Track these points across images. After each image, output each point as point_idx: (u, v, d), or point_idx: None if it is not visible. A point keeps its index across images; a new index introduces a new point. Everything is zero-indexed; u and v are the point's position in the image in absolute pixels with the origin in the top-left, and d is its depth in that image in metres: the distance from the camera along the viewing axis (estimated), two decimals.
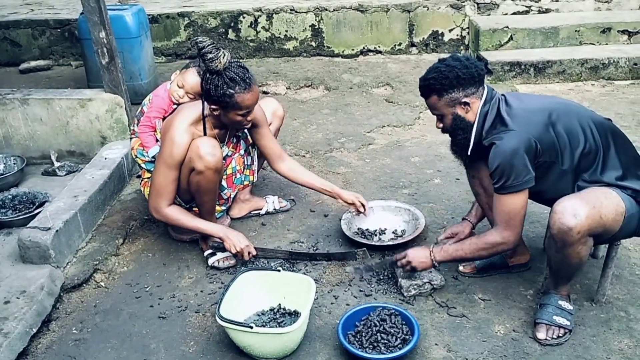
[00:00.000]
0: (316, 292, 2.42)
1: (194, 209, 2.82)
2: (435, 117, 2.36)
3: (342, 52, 5.85)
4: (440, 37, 5.79)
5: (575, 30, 5.34)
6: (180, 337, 2.37)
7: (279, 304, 2.43)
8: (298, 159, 3.81)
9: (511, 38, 5.36)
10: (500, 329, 2.33)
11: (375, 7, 5.70)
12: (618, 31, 5.35)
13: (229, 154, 2.89)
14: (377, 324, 2.25)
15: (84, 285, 2.71)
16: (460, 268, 2.62)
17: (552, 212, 2.09)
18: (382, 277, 2.63)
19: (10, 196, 3.22)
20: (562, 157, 2.17)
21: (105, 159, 3.46)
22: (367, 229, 2.97)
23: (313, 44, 5.84)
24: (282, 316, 2.39)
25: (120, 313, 2.53)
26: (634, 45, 5.30)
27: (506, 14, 5.79)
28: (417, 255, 2.43)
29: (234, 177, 2.95)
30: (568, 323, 2.25)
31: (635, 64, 4.99)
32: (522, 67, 5.03)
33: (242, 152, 2.95)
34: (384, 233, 2.96)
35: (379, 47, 5.85)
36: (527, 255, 2.63)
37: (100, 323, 2.48)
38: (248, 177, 3.04)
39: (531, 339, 2.27)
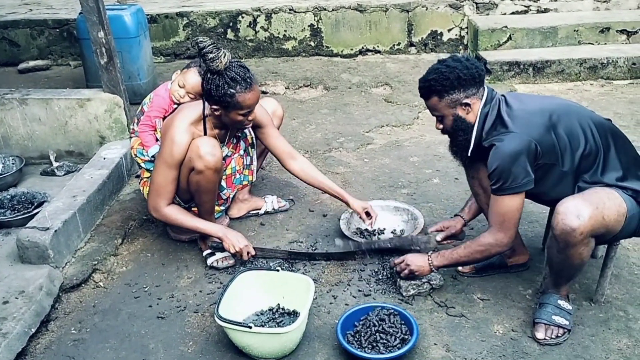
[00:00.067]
0: (315, 292, 2.42)
1: (193, 208, 2.82)
2: (435, 118, 2.35)
3: (341, 52, 5.85)
4: (439, 37, 5.79)
5: (574, 30, 5.34)
6: (179, 337, 2.37)
7: (278, 304, 2.42)
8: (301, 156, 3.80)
9: (510, 38, 5.36)
10: (499, 329, 2.33)
11: (374, 6, 5.70)
12: (617, 31, 5.36)
13: (229, 154, 2.89)
14: (376, 323, 2.25)
15: (83, 285, 2.71)
16: (459, 268, 2.62)
17: (555, 213, 2.09)
18: (381, 277, 2.63)
19: (8, 196, 3.21)
20: (562, 158, 2.17)
21: (104, 159, 3.46)
22: (366, 229, 2.96)
23: (312, 43, 5.84)
24: (281, 316, 2.39)
25: (119, 313, 2.53)
26: (632, 45, 5.31)
27: (505, 14, 5.79)
28: (416, 260, 2.44)
29: (233, 177, 2.95)
30: (567, 323, 2.25)
31: (634, 64, 5.00)
32: (521, 66, 5.03)
33: (241, 152, 2.95)
34: (383, 233, 2.96)
35: (377, 46, 5.85)
36: (526, 255, 2.63)
37: (99, 323, 2.48)
38: (247, 177, 3.04)
39: (530, 338, 2.27)
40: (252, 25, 5.80)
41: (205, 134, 2.67)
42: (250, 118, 2.61)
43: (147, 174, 2.93)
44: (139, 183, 3.09)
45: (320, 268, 2.74)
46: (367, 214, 2.89)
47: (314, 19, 5.75)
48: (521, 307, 2.44)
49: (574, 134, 2.17)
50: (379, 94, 4.94)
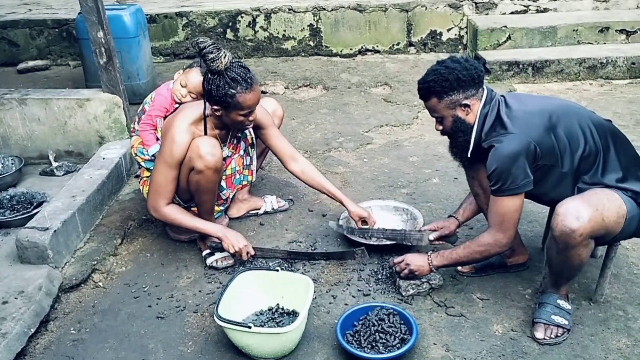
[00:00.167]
0: (314, 292, 2.42)
1: (193, 208, 2.82)
2: (434, 119, 2.35)
3: (341, 51, 5.85)
4: (438, 37, 5.79)
5: (574, 30, 5.35)
6: (179, 337, 2.37)
7: (277, 304, 2.42)
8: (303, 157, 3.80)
9: (509, 37, 5.36)
10: (498, 329, 2.33)
11: (374, 6, 5.70)
12: (616, 30, 5.36)
13: (229, 154, 2.88)
14: (376, 323, 2.25)
15: (82, 285, 2.71)
16: (459, 267, 2.62)
17: (554, 214, 2.09)
18: (380, 277, 2.63)
19: (8, 196, 3.21)
20: (562, 159, 2.16)
21: (104, 159, 3.45)
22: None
23: (311, 43, 5.84)
24: (280, 316, 2.39)
25: (119, 313, 2.53)
26: (632, 45, 5.31)
27: (504, 14, 5.79)
28: (415, 260, 2.45)
29: (233, 177, 2.95)
30: (566, 322, 2.25)
31: (633, 63, 5.00)
32: (520, 66, 5.03)
33: (241, 152, 2.95)
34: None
35: (377, 46, 5.85)
36: (525, 255, 2.63)
37: (98, 323, 2.47)
38: (247, 177, 3.04)
39: (529, 338, 2.27)
40: (251, 25, 5.80)
41: (205, 134, 2.67)
42: (251, 118, 2.61)
43: (147, 173, 2.92)
44: (139, 182, 3.09)
45: (320, 268, 2.74)
46: (364, 221, 2.88)
47: (313, 19, 5.75)
48: (520, 306, 2.44)
49: (574, 135, 2.16)
50: (379, 93, 4.94)
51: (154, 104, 2.96)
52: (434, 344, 2.27)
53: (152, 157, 2.86)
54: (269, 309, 2.42)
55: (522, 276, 2.61)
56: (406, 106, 4.61)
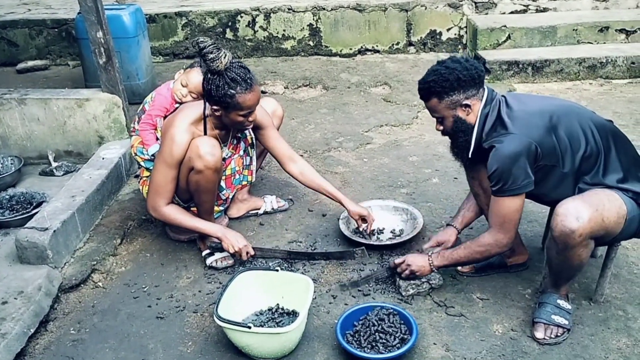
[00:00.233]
0: (314, 292, 2.42)
1: (193, 208, 2.81)
2: (435, 119, 2.34)
3: (340, 51, 5.85)
4: (438, 37, 5.79)
5: (573, 29, 5.34)
6: (179, 337, 2.37)
7: (277, 304, 2.42)
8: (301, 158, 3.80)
9: (509, 37, 5.36)
10: (498, 328, 2.33)
11: (373, 6, 5.69)
12: (616, 30, 5.35)
13: (229, 155, 2.88)
14: (376, 323, 2.25)
15: (82, 285, 2.70)
16: (459, 267, 2.61)
17: (554, 214, 2.08)
18: (380, 277, 2.63)
19: (7, 196, 3.21)
20: (563, 160, 2.16)
21: (103, 158, 3.45)
22: (364, 229, 2.96)
23: (311, 43, 5.83)
24: (280, 316, 2.38)
25: (118, 313, 2.52)
26: (631, 44, 5.31)
27: (504, 13, 5.79)
28: (416, 261, 2.44)
29: (232, 177, 2.95)
30: (566, 322, 2.25)
31: (633, 63, 4.99)
32: (520, 66, 5.03)
33: (241, 152, 2.95)
34: (382, 232, 2.96)
35: (376, 46, 5.85)
36: (525, 255, 2.63)
37: (98, 323, 2.47)
38: (246, 177, 3.04)
39: (529, 338, 2.27)
40: (251, 25, 5.79)
41: (205, 134, 2.67)
42: (250, 119, 2.61)
43: (146, 173, 2.92)
44: (139, 182, 3.09)
45: (320, 268, 2.74)
46: (364, 220, 2.88)
47: (313, 19, 5.75)
48: (520, 306, 2.44)
49: (575, 135, 2.16)
50: (378, 93, 4.93)
51: (154, 104, 2.95)
52: (434, 343, 2.27)
53: (152, 157, 2.86)
54: (269, 309, 2.42)
55: (522, 276, 2.61)
56: (406, 106, 4.61)
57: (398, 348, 2.15)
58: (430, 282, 2.51)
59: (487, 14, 5.77)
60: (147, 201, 2.69)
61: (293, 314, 2.37)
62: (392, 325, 2.24)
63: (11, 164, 3.59)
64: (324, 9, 5.71)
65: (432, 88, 2.22)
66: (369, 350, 2.16)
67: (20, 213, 3.08)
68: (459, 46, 5.80)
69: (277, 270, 2.44)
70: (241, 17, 5.77)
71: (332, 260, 2.77)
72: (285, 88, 5.08)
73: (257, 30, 5.81)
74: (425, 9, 5.70)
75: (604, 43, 5.35)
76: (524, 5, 5.80)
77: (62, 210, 2.88)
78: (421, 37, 5.80)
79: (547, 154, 2.13)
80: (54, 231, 2.71)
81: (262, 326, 2.32)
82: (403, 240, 2.83)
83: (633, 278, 2.56)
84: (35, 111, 3.64)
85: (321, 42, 5.83)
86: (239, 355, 2.25)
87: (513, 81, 5.03)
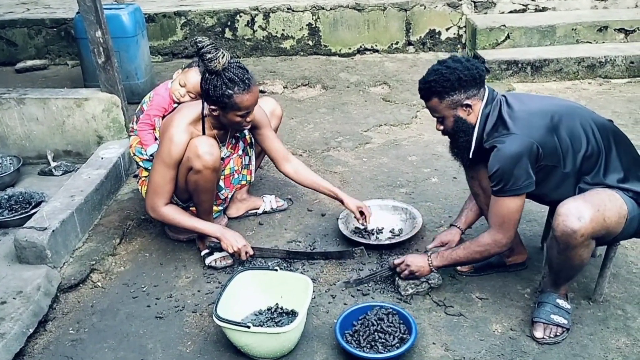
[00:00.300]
0: (313, 292, 2.41)
1: (192, 208, 2.81)
2: (435, 119, 2.34)
3: (339, 51, 5.85)
4: (437, 36, 5.79)
5: (572, 29, 5.34)
6: (178, 337, 2.37)
7: (277, 304, 2.42)
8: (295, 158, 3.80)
9: (508, 37, 5.36)
10: (497, 328, 2.33)
11: (372, 5, 5.69)
12: (615, 29, 5.35)
13: (228, 154, 2.88)
14: (375, 323, 2.25)
15: (81, 285, 2.70)
16: (458, 267, 2.61)
17: (556, 214, 2.08)
18: (379, 277, 2.63)
19: (6, 196, 3.21)
20: (564, 160, 2.16)
21: (102, 158, 3.45)
22: (364, 228, 2.96)
23: (310, 42, 5.83)
24: (279, 316, 2.38)
25: (117, 313, 2.52)
26: (630, 44, 5.31)
27: (503, 13, 5.79)
28: (416, 261, 2.44)
29: (231, 177, 2.95)
30: (566, 322, 2.25)
31: (632, 62, 5.00)
32: (519, 65, 5.03)
33: (240, 152, 2.95)
34: (382, 232, 2.96)
35: (376, 45, 5.85)
36: (524, 255, 2.63)
37: (97, 323, 2.47)
38: (245, 176, 3.04)
39: (529, 337, 2.27)
40: (250, 25, 5.79)
41: (204, 134, 2.66)
42: (248, 119, 2.60)
43: (145, 173, 2.92)
44: (137, 182, 3.08)
45: (319, 267, 2.73)
46: (361, 212, 2.88)
47: (312, 18, 5.75)
48: (520, 306, 2.44)
49: (576, 135, 2.16)
50: (377, 93, 4.93)
51: (152, 104, 2.95)
52: (433, 343, 2.27)
53: (151, 157, 2.86)
54: (268, 309, 2.42)
55: (521, 275, 2.61)
56: (405, 105, 4.61)
57: (397, 348, 2.15)
58: (430, 281, 2.51)
59: (486, 13, 5.77)
60: (146, 201, 2.69)
61: (292, 314, 2.37)
62: (391, 324, 2.24)
63: (10, 163, 3.59)
64: (323, 8, 5.71)
65: (433, 88, 2.22)
66: (368, 349, 2.16)
67: (19, 213, 3.07)
68: (458, 46, 5.80)
69: (276, 270, 2.44)
70: (240, 16, 5.77)
71: (331, 260, 2.76)
72: (284, 88, 5.08)
73: (256, 30, 5.80)
74: (425, 8, 5.70)
75: (603, 42, 5.35)
76: (523, 5, 5.80)
77: (61, 210, 2.88)
78: (420, 37, 5.80)
79: (549, 154, 2.13)
80: (53, 231, 2.71)
81: (261, 326, 2.32)
82: (402, 240, 2.83)
83: (632, 277, 2.57)
84: (34, 111, 3.63)
85: (320, 42, 5.83)
86: (238, 355, 2.25)
87: (512, 81, 5.03)
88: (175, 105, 2.88)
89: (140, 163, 2.96)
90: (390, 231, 2.96)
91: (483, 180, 2.40)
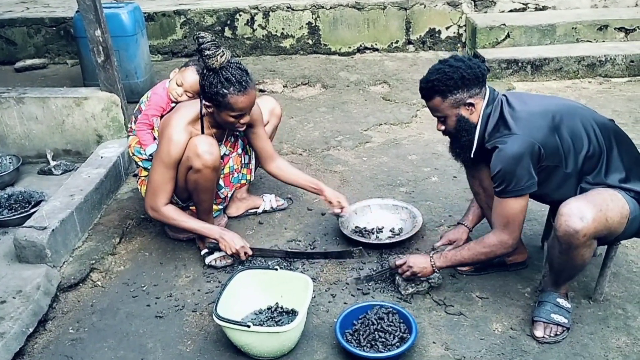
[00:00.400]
0: (313, 291, 2.41)
1: (191, 207, 2.81)
2: (436, 119, 2.33)
3: (339, 50, 5.84)
4: (437, 35, 5.78)
5: (572, 28, 5.34)
6: (178, 337, 2.37)
7: (277, 303, 2.42)
8: (295, 157, 3.81)
9: (508, 35, 5.35)
10: (498, 327, 2.32)
11: (372, 4, 5.69)
12: (615, 28, 5.35)
13: (227, 153, 2.88)
14: (375, 322, 2.24)
15: (81, 284, 2.70)
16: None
17: (558, 214, 2.07)
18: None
19: (6, 195, 3.20)
20: (566, 160, 2.15)
21: (102, 157, 3.45)
22: (364, 228, 2.96)
23: (310, 41, 5.82)
24: (279, 315, 2.38)
25: (117, 312, 2.52)
26: (630, 43, 5.30)
27: (503, 12, 5.78)
28: (418, 261, 2.43)
29: (231, 176, 2.95)
30: (566, 321, 2.25)
31: (632, 61, 4.99)
32: (519, 64, 5.02)
33: (239, 151, 2.95)
34: (382, 231, 2.96)
35: (375, 44, 5.84)
36: (524, 254, 2.63)
37: (97, 322, 2.47)
38: (245, 175, 3.04)
39: (529, 336, 2.27)
40: (249, 23, 5.78)
41: (202, 132, 2.66)
42: (242, 121, 2.59)
43: (145, 173, 2.92)
44: (137, 182, 3.08)
45: (319, 267, 2.73)
46: (339, 202, 2.86)
47: (312, 17, 5.74)
48: (520, 305, 2.43)
49: (577, 135, 2.15)
50: (377, 92, 4.93)
51: (150, 103, 2.94)
52: (434, 342, 2.27)
53: (150, 157, 2.85)
54: (268, 308, 2.42)
55: (522, 275, 2.60)
56: (405, 104, 4.61)
57: (397, 347, 2.14)
58: (430, 281, 2.51)
59: (486, 12, 5.77)
60: (145, 201, 2.68)
61: (292, 313, 2.37)
62: (391, 324, 2.24)
63: (9, 162, 3.59)
64: (322, 7, 5.70)
65: (435, 87, 2.21)
66: (368, 349, 2.16)
67: (18, 212, 3.07)
68: (458, 45, 5.80)
69: (276, 269, 2.44)
70: (240, 15, 5.76)
71: (331, 260, 2.76)
72: (284, 87, 5.08)
73: (256, 29, 5.80)
74: (425, 7, 5.69)
75: (603, 41, 5.35)
76: (523, 4, 5.79)
77: (61, 209, 2.88)
78: (420, 36, 5.80)
79: (550, 154, 2.13)
80: (53, 230, 2.71)
81: (261, 325, 2.32)
82: (402, 239, 2.83)
83: (632, 277, 2.56)
84: (34, 110, 3.63)
85: (320, 41, 5.82)
86: (238, 354, 2.25)
87: (512, 80, 5.02)
88: (173, 104, 2.88)
89: (140, 163, 2.95)
90: (391, 230, 2.96)
91: (484, 179, 2.39)
